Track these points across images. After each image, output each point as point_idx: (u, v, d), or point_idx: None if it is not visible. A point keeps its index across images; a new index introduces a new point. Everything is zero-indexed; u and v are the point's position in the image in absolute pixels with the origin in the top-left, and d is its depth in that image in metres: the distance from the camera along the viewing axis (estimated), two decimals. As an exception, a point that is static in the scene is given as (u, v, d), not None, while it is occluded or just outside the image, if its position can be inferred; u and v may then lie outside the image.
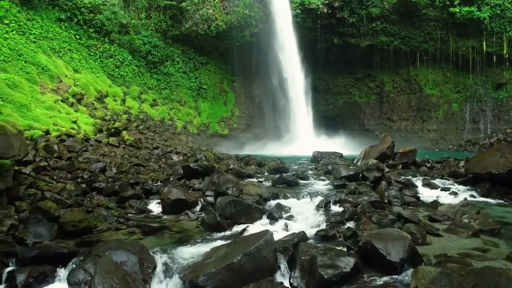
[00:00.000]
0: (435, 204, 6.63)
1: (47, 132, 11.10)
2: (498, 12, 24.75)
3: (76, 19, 20.67)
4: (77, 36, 20.09)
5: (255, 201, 6.56)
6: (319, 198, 6.90)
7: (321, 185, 8.32)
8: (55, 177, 8.31)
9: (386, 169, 8.40)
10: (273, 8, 25.27)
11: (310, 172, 10.45)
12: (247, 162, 12.26)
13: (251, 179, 9.36)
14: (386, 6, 27.18)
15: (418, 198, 7.11)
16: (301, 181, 8.83)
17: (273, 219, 5.85)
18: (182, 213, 6.58)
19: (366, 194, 6.87)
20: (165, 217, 6.53)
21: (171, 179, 9.03)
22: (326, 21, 28.17)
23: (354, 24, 28.37)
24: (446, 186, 8.27)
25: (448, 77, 29.02)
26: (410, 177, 9.16)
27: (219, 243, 4.96)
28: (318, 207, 6.47)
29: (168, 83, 25.08)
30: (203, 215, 6.54)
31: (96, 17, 21.30)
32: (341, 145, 23.66)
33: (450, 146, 27.17)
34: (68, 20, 20.21)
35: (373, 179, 8.04)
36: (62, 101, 14.60)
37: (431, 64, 28.79)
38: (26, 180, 7.57)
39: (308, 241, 4.59)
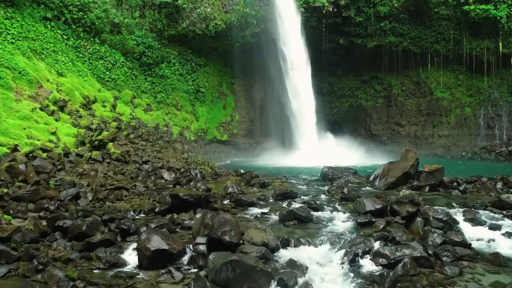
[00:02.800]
0: (497, 257, 5.05)
1: (14, 149, 9.52)
2: (517, 11, 23.18)
3: (63, 18, 19.16)
4: (64, 36, 18.55)
5: (260, 254, 4.98)
6: (342, 248, 5.32)
7: (341, 221, 6.73)
8: (11, 211, 6.73)
9: (418, 199, 6.79)
10: (275, 7, 23.69)
11: (323, 197, 8.87)
12: (248, 182, 10.69)
13: (253, 209, 7.78)
14: (396, 5, 25.60)
15: (469, 245, 5.52)
16: (314, 212, 7.25)
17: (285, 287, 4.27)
18: (165, 270, 5.00)
19: (405, 243, 5.29)
20: (141, 275, 4.96)
21: (156, 209, 7.46)
22: (332, 20, 26.61)
23: (361, 24, 26.80)
24: (495, 222, 6.69)
25: (460, 79, 27.41)
26: (445, 207, 7.57)
27: None
28: (344, 264, 4.89)
29: (164, 86, 23.52)
30: (191, 271, 5.02)
31: (85, 16, 19.76)
32: (348, 153, 22.05)
33: (464, 153, 25.57)
34: (55, 19, 18.71)
35: (405, 215, 6.46)
36: (40, 109, 13.02)
37: (443, 66, 27.18)
38: (-30, 218, 6.00)
39: None
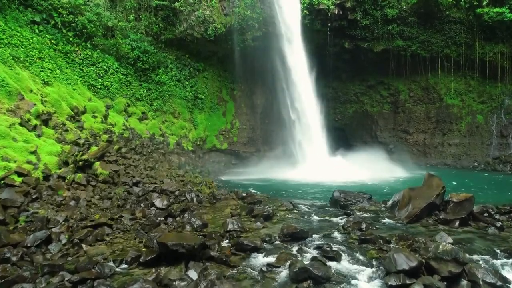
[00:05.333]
0: None
1: (-20, 178, 8.26)
2: (533, 14, 21.92)
3: (53, 21, 17.98)
4: (53, 41, 17.34)
5: None
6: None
7: (366, 282, 5.49)
8: (-40, 268, 5.47)
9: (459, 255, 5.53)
10: (278, 9, 22.44)
11: (338, 236, 7.61)
12: (250, 211, 9.42)
13: (257, 256, 6.52)
14: (404, 7, 24.36)
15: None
16: (331, 263, 6.02)
17: None
18: None
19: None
20: None
21: (141, 258, 6.19)
22: (337, 24, 25.37)
23: (367, 27, 25.56)
24: (555, 282, 5.44)
25: (471, 85, 26.15)
26: (487, 257, 6.33)
27: None
28: None
29: (160, 92, 22.26)
30: None
31: (76, 19, 18.55)
32: (356, 164, 20.76)
33: (476, 164, 24.31)
34: (43, 22, 17.54)
35: (447, 275, 5.21)
36: (20, 124, 11.75)
37: (453, 71, 25.93)
38: None
39: None
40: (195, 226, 7.93)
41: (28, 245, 6.38)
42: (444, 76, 26.43)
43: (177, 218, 8.75)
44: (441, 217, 8.54)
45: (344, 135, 32.06)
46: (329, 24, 24.95)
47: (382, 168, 19.57)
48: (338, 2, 24.08)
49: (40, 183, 9.68)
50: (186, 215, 8.78)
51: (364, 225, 7.97)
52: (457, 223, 8.26)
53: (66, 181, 10.46)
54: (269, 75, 26.63)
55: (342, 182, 16.49)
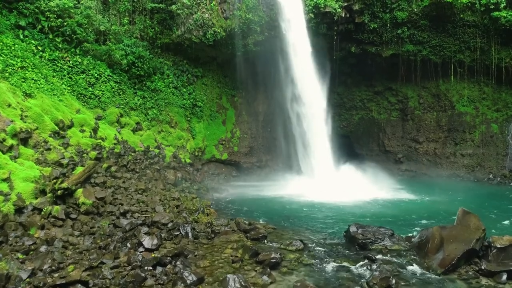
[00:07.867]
0: None
1: None
2: (554, 17, 20.54)
3: (39, 26, 16.69)
4: (39, 48, 16.05)
5: None
6: None
7: None
8: None
9: None
10: (281, 12, 21.07)
11: (364, 298, 6.24)
12: (255, 254, 8.03)
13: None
14: (415, 10, 22.96)
15: None
16: None
17: None
18: None
19: None
20: None
21: None
22: (343, 27, 24.00)
23: (375, 30, 24.18)
24: None
25: (485, 92, 24.76)
26: None
27: None
28: None
29: (156, 101, 20.89)
30: None
31: (65, 23, 17.21)
32: (365, 178, 19.40)
33: (491, 176, 22.93)
34: (29, 26, 16.25)
35: None
36: (-7, 146, 10.39)
37: (466, 77, 24.53)
38: None
39: None
40: (188, 282, 6.55)
41: (-27, 324, 5.00)
42: (457, 82, 25.04)
43: (168, 267, 7.36)
44: (483, 267, 7.15)
45: (349, 143, 30.68)
46: (335, 28, 23.59)
47: (391, 183, 18.16)
48: (345, 4, 22.72)
49: (9, 220, 8.30)
50: (178, 263, 7.38)
51: (393, 281, 6.58)
52: (504, 277, 6.88)
53: (43, 213, 9.08)
54: (271, 81, 25.29)
55: (352, 202, 15.12)
